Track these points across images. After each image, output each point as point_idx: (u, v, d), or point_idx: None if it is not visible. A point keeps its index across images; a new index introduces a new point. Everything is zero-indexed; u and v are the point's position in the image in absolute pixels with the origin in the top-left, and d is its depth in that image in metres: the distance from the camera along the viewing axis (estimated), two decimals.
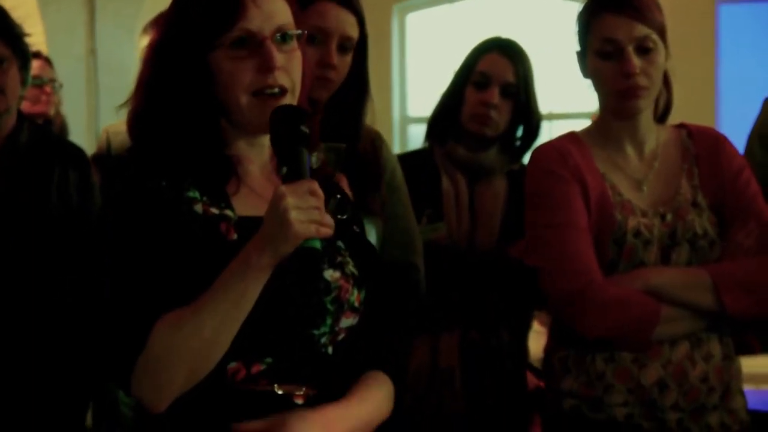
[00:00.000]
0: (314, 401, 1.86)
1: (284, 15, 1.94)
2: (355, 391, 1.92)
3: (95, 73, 6.83)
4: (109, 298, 1.81)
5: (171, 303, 1.78)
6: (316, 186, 1.78)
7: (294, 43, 1.94)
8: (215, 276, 1.79)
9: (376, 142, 2.75)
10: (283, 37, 1.92)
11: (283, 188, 1.76)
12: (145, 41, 3.54)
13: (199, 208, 1.86)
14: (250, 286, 1.77)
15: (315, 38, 2.53)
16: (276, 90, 1.90)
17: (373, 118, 2.78)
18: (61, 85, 4.77)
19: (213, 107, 1.92)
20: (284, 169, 1.81)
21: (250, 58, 1.89)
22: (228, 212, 1.88)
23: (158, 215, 1.83)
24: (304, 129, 1.83)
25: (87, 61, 6.83)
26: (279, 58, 1.89)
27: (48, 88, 4.61)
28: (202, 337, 1.76)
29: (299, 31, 1.95)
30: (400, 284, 2.70)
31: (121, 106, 2.00)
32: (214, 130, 1.93)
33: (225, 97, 1.90)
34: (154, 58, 1.95)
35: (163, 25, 1.96)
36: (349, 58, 2.61)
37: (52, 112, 4.65)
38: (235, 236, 1.85)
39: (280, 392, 1.85)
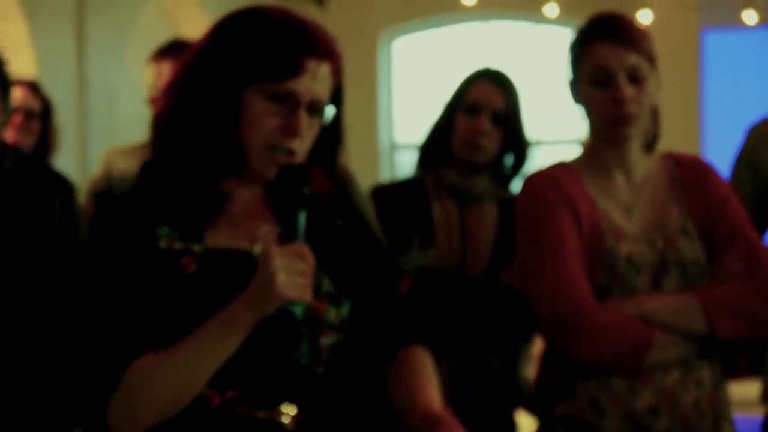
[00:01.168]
0: (308, 423, 1.89)
1: (325, 89, 1.95)
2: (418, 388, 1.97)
3: (86, 100, 6.84)
4: (82, 335, 1.88)
5: (140, 340, 1.84)
6: (306, 250, 1.81)
7: (319, 116, 1.96)
8: (176, 309, 1.85)
9: (343, 177, 2.77)
10: (315, 109, 1.95)
11: (273, 249, 1.80)
12: (151, 70, 3.51)
13: (162, 243, 1.90)
14: (228, 340, 1.82)
15: None
16: (285, 152, 1.92)
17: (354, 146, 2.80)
18: (38, 113, 4.64)
19: (232, 134, 1.93)
20: (280, 229, 1.86)
21: (279, 114, 1.91)
22: (195, 246, 1.91)
23: (127, 257, 1.88)
24: (306, 191, 1.87)
25: (77, 87, 6.84)
26: (303, 126, 1.92)
27: (17, 117, 4.47)
28: (177, 382, 1.83)
29: (329, 107, 1.98)
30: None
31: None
32: (225, 155, 1.94)
33: (244, 134, 1.92)
34: (195, 68, 1.95)
35: (215, 39, 1.96)
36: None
37: (24, 142, 4.52)
38: (194, 268, 1.88)
39: (262, 417, 1.87)
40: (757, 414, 3.26)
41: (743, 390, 2.95)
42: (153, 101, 3.37)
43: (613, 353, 2.45)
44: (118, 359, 1.83)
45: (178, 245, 1.90)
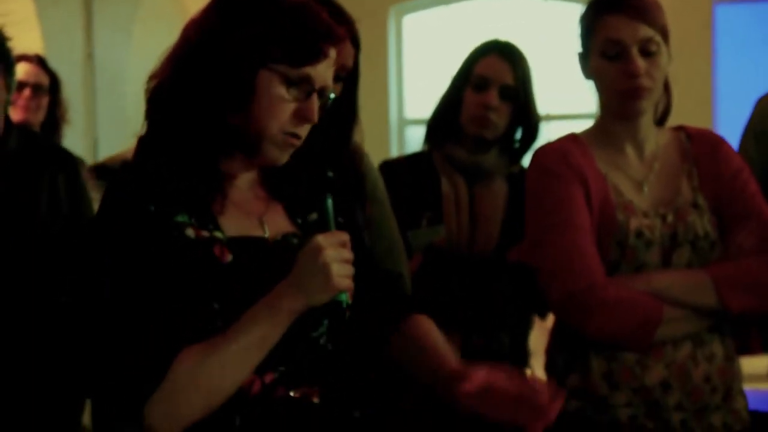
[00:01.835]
0: (328, 398, 1.91)
1: (331, 76, 1.95)
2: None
3: (92, 78, 6.82)
4: (117, 330, 1.82)
5: (181, 330, 1.80)
6: (347, 238, 1.84)
7: (323, 103, 1.95)
8: (217, 300, 1.82)
9: (357, 156, 2.76)
10: (322, 94, 1.94)
11: (321, 240, 1.81)
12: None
13: (190, 232, 1.86)
14: (275, 329, 1.82)
15: None
16: (296, 137, 1.92)
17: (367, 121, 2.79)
18: (47, 88, 4.61)
19: (235, 112, 1.89)
20: (313, 216, 1.89)
21: (293, 99, 1.90)
22: (218, 234, 1.88)
23: (151, 245, 1.83)
24: (330, 174, 1.89)
25: (84, 65, 6.83)
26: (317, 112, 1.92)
27: (26, 92, 4.48)
28: (224, 376, 1.80)
29: (333, 95, 1.97)
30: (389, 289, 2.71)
31: (151, 76, 1.95)
32: (224, 133, 1.91)
33: (257, 116, 1.89)
34: (203, 36, 1.90)
35: (231, 11, 1.90)
36: (339, 86, 2.62)
37: (34, 118, 4.51)
38: (230, 258, 1.87)
39: (297, 396, 1.88)
40: (767, 388, 3.25)
41: (753, 363, 2.93)
42: None
43: (623, 329, 2.44)
44: (161, 352, 1.78)
45: (205, 233, 1.87)
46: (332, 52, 1.92)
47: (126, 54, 6.64)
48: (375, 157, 3.01)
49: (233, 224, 1.91)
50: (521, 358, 3.20)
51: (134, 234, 1.83)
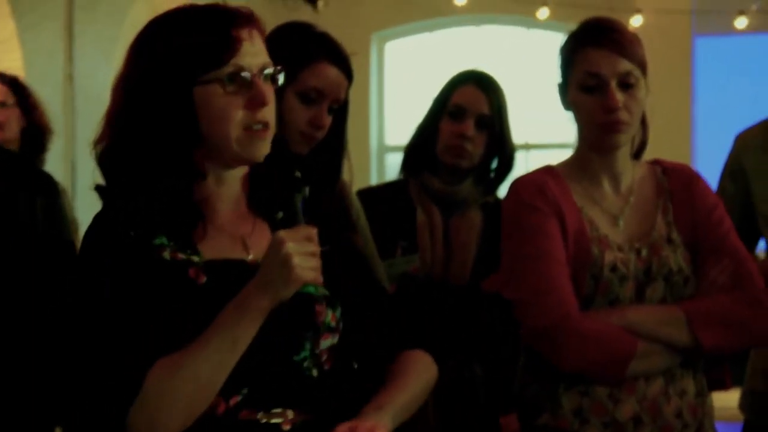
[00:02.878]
0: (304, 427, 1.89)
1: (265, 53, 1.95)
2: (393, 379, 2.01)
3: (73, 99, 6.81)
4: (90, 347, 1.83)
5: (154, 348, 1.81)
6: (312, 232, 1.83)
7: (271, 81, 1.95)
8: (189, 321, 1.83)
9: (341, 186, 2.77)
10: (266, 74, 1.93)
11: (283, 233, 1.81)
12: None
13: (166, 254, 1.88)
14: (247, 329, 1.82)
15: (308, 97, 2.57)
16: (261, 125, 1.92)
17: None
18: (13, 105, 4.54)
19: (191, 141, 1.91)
20: (280, 214, 1.87)
21: (239, 93, 1.90)
22: (194, 257, 1.90)
23: (130, 268, 1.85)
24: (298, 174, 1.89)
25: (65, 86, 6.81)
26: (268, 93, 1.92)
27: None
28: (199, 381, 1.80)
29: (279, 68, 1.97)
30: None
31: (95, 142, 1.99)
32: (189, 163, 1.92)
33: (212, 131, 1.90)
34: (129, 91, 1.93)
35: (140, 56, 1.93)
36: (331, 117, 2.64)
37: (2, 136, 4.39)
38: (204, 279, 1.88)
39: (262, 421, 1.87)
40: (737, 421, 3.26)
41: (724, 397, 2.93)
42: None
43: (596, 362, 2.43)
44: (134, 369, 1.80)
45: (182, 256, 1.89)
46: (249, 34, 1.92)
47: (107, 76, 6.58)
48: (355, 183, 3.01)
49: (214, 247, 1.93)
50: (495, 387, 3.18)
51: (112, 256, 1.86)
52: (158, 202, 1.90)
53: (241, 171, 1.99)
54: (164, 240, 1.89)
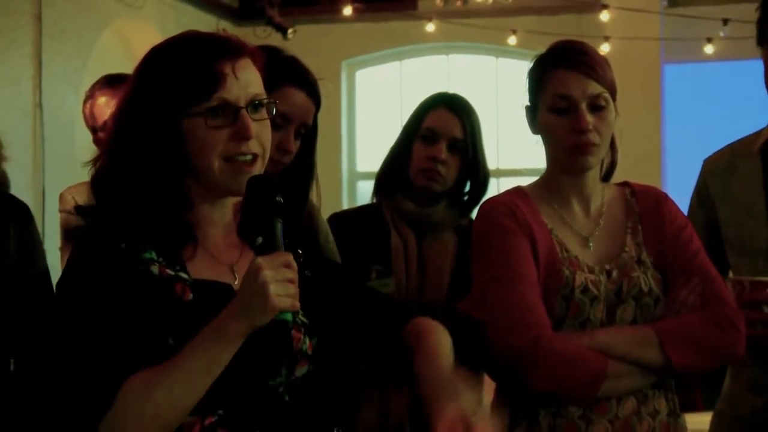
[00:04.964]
0: None
1: (257, 84, 1.97)
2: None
3: (41, 128, 6.78)
4: (69, 360, 1.83)
5: (132, 362, 1.81)
6: (291, 258, 1.83)
7: (264, 111, 1.97)
8: (173, 336, 1.83)
9: (310, 211, 2.77)
10: (256, 106, 1.95)
11: (261, 261, 1.81)
12: (88, 105, 3.57)
13: (155, 269, 1.89)
14: (222, 353, 1.82)
15: (274, 122, 2.57)
16: (249, 157, 1.93)
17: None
18: None
19: (181, 169, 1.93)
20: (259, 240, 1.86)
21: (225, 126, 1.91)
22: (182, 274, 1.91)
23: (115, 278, 1.85)
24: (279, 199, 1.88)
25: (33, 115, 6.78)
26: (253, 127, 1.92)
27: None
28: (171, 400, 1.80)
29: (272, 100, 1.98)
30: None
31: (87, 163, 2.01)
32: (179, 191, 1.94)
33: (197, 162, 1.92)
34: (125, 120, 1.96)
35: (134, 88, 1.96)
36: (299, 142, 2.64)
37: None
38: (190, 296, 1.89)
39: None
40: None
41: (696, 419, 2.93)
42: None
43: (567, 382, 2.43)
44: (109, 381, 1.79)
45: (170, 272, 1.89)
46: (235, 65, 1.93)
47: (75, 104, 6.59)
48: (326, 210, 3.01)
49: (203, 269, 1.94)
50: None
51: (99, 266, 1.87)
52: (149, 219, 1.92)
53: (232, 199, 2.02)
54: (153, 255, 1.90)
